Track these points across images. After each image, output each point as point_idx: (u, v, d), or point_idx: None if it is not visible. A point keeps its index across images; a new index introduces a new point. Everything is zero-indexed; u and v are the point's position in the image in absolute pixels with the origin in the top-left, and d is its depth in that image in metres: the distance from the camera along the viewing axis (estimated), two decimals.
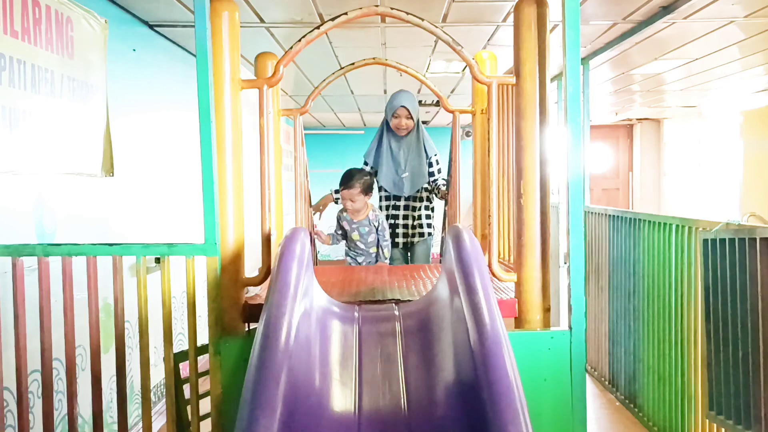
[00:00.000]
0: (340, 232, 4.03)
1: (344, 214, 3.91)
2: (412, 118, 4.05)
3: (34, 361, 2.35)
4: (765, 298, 2.64)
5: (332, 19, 2.33)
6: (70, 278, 2.30)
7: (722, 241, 2.92)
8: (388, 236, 3.96)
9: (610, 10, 3.96)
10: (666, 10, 3.88)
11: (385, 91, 7.08)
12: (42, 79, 2.81)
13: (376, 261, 3.98)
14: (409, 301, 2.38)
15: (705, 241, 3.03)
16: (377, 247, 3.94)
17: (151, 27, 4.12)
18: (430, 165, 4.23)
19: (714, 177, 9.07)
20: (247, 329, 2.39)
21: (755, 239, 2.66)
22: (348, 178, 3.78)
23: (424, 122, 4.57)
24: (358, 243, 3.92)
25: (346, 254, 4.07)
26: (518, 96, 2.31)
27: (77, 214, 3.14)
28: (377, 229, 3.90)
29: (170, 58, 4.50)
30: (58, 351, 2.34)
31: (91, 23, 3.24)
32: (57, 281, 2.31)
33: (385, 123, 4.13)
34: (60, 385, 2.77)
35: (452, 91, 7.00)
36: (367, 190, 3.82)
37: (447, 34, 2.34)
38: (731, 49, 5.09)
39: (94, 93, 3.28)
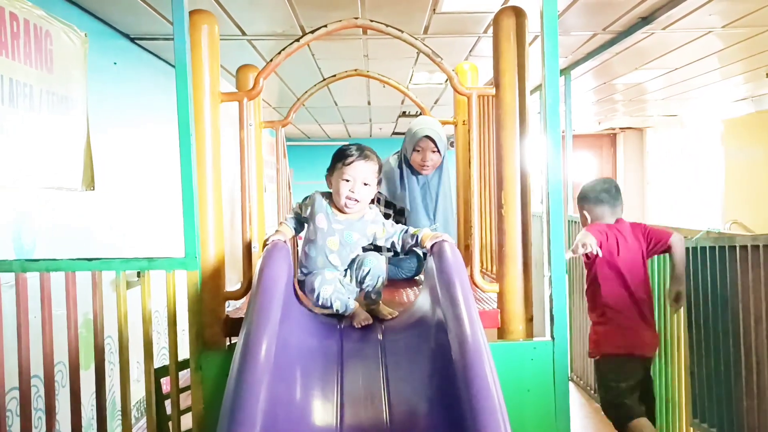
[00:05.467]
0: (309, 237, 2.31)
1: (325, 202, 2.27)
2: (438, 151, 2.98)
3: (12, 378, 2.32)
4: (746, 306, 2.66)
5: (312, 32, 2.33)
6: (49, 294, 2.27)
7: (703, 249, 2.94)
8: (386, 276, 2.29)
9: (589, 21, 4.00)
10: (645, 20, 3.92)
11: (369, 102, 7.10)
12: (20, 93, 2.79)
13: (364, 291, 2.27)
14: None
15: (686, 249, 3.05)
16: (354, 281, 2.26)
17: (131, 40, 4.11)
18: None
19: (696, 185, 9.15)
20: (228, 343, 2.37)
21: (735, 247, 2.69)
22: (360, 150, 2.26)
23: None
24: (330, 256, 2.25)
25: (302, 271, 2.31)
26: (498, 107, 2.32)
27: (57, 228, 3.12)
28: (375, 242, 2.32)
29: (151, 71, 4.49)
30: (37, 368, 2.31)
31: (70, 37, 3.22)
32: (35, 297, 2.28)
33: (404, 160, 3.06)
34: (39, 402, 2.73)
35: (436, 102, 7.03)
36: (380, 179, 2.35)
37: (427, 46, 2.35)
38: (711, 58, 5.15)
39: (74, 107, 3.26)
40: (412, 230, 2.31)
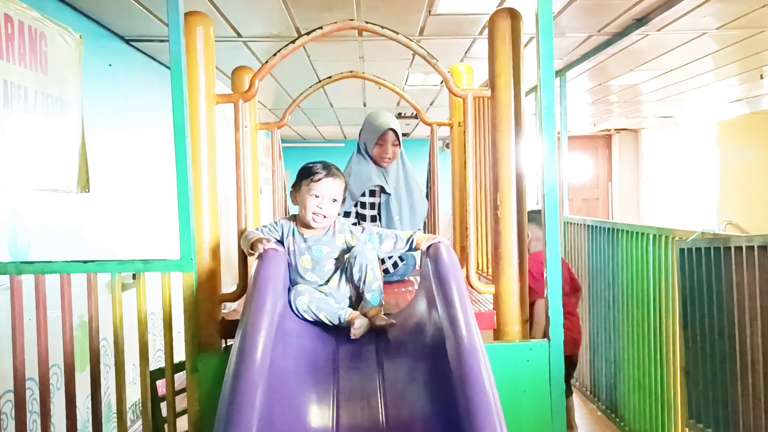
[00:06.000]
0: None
1: (291, 224, 2.33)
2: (399, 144, 3.04)
3: (6, 381, 2.31)
4: (741, 306, 2.66)
5: (307, 33, 2.33)
6: (44, 296, 2.26)
7: (698, 250, 2.95)
8: (377, 266, 2.29)
9: (584, 23, 4.01)
10: (640, 22, 3.93)
11: (364, 104, 7.10)
12: (15, 95, 2.78)
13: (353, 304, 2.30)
14: (388, 314, 2.37)
15: (681, 250, 3.06)
16: (348, 284, 2.29)
17: (127, 42, 4.10)
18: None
19: (691, 186, 9.17)
20: (224, 345, 2.37)
21: (730, 248, 2.69)
22: (328, 168, 2.31)
23: (404, 135, 3.34)
24: (307, 275, 2.28)
25: (293, 287, 2.26)
26: (494, 108, 2.32)
27: (52, 230, 3.11)
28: (348, 253, 2.29)
29: (147, 73, 4.48)
30: (32, 371, 2.31)
31: (65, 38, 3.21)
32: (30, 299, 2.27)
33: (364, 152, 3.08)
34: (34, 405, 2.72)
35: (431, 104, 7.03)
36: (345, 196, 2.41)
37: (422, 48, 2.35)
38: (705, 60, 5.16)
39: (69, 109, 3.25)
40: (403, 235, 2.34)
